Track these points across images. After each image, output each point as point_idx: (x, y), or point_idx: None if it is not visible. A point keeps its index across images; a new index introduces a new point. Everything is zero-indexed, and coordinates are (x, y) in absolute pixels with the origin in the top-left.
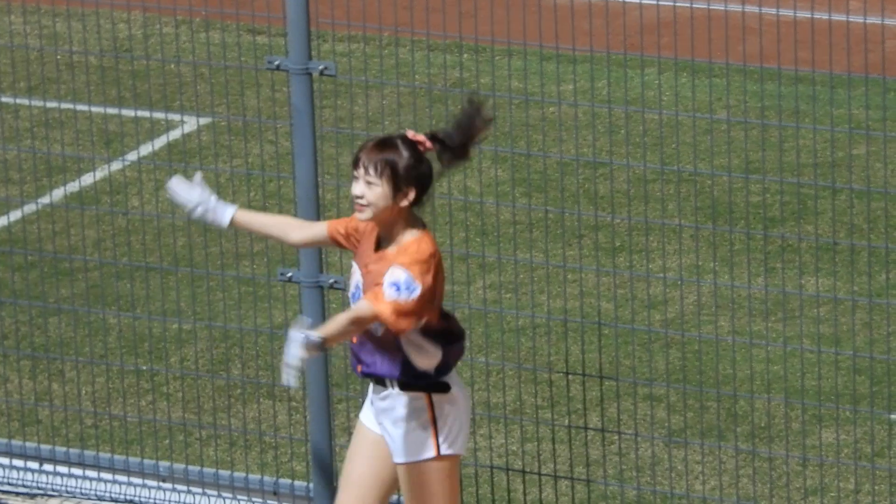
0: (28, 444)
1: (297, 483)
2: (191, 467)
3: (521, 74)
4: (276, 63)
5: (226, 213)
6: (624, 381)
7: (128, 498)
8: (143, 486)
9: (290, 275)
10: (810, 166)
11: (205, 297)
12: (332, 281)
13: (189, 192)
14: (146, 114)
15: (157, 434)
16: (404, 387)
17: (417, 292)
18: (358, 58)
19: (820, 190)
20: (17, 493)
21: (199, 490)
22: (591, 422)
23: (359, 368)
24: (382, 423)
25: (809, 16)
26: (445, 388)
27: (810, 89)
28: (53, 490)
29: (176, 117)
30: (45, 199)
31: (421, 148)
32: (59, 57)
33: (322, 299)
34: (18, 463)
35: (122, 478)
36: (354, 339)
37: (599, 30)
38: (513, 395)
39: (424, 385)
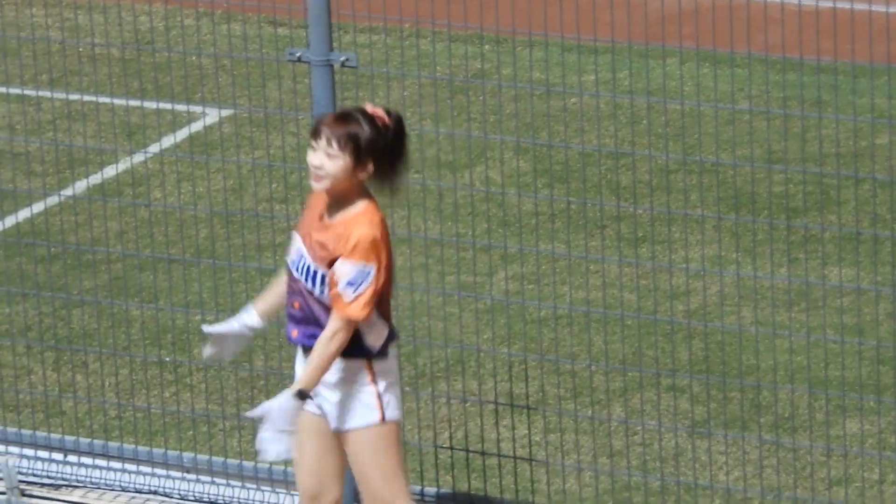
0: (52, 435)
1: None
2: (214, 458)
3: (543, 65)
4: (298, 55)
5: (251, 316)
6: (647, 371)
7: (151, 489)
8: (167, 476)
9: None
10: (833, 156)
11: (227, 289)
12: (343, 58)
13: (226, 336)
14: (168, 106)
15: (181, 425)
16: (345, 355)
17: (372, 274)
18: (379, 49)
19: (843, 180)
20: (42, 485)
21: (223, 481)
22: (614, 413)
23: (294, 333)
24: (319, 392)
25: (832, 5)
26: (384, 353)
27: (833, 79)
28: (77, 481)
29: (198, 109)
30: (68, 192)
31: (379, 122)
32: (80, 49)
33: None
34: (43, 454)
35: (145, 469)
36: (297, 305)
37: (621, 20)
38: (535, 385)
39: (366, 349)
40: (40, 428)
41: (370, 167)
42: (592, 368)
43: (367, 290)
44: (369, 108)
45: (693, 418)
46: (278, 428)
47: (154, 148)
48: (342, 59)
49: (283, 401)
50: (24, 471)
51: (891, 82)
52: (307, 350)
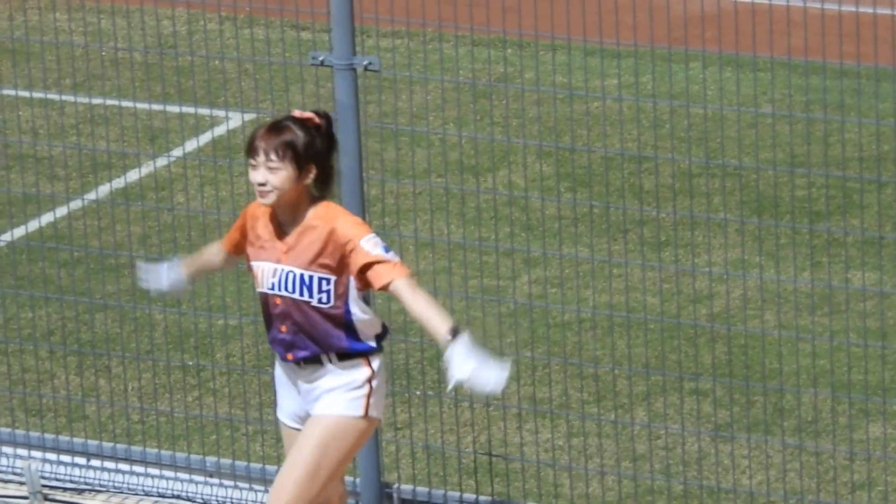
0: (75, 439)
1: (345, 478)
2: (237, 462)
3: (566, 69)
4: (321, 59)
5: (179, 268)
6: (670, 375)
7: (175, 493)
8: (190, 481)
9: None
10: (856, 160)
11: (250, 293)
12: (366, 62)
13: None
14: (191, 110)
15: (204, 429)
16: (343, 358)
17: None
18: (402, 53)
19: (865, 184)
20: (65, 489)
21: (246, 485)
22: (637, 416)
23: (290, 357)
24: (309, 401)
25: (854, 10)
26: (381, 350)
27: (855, 83)
28: (100, 486)
29: (220, 113)
30: (91, 196)
31: (311, 125)
32: (103, 53)
33: (368, 294)
34: (66, 458)
35: (168, 473)
36: (284, 329)
37: (643, 24)
38: (559, 389)
39: (361, 352)
40: (63, 432)
41: (313, 171)
42: (615, 372)
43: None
44: (297, 113)
45: (716, 422)
46: (479, 366)
47: (177, 152)
48: (365, 62)
49: (459, 352)
50: (47, 475)
51: None
52: (308, 362)
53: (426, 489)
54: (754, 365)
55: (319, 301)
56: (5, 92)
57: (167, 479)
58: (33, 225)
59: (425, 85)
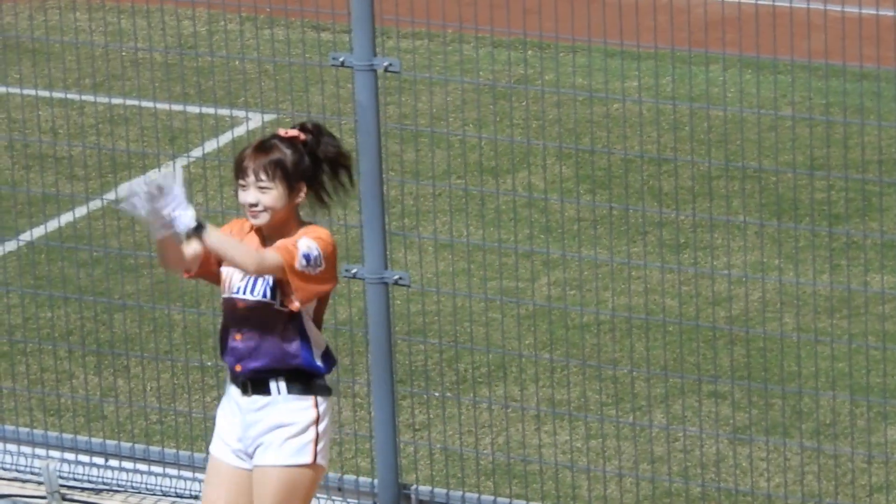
0: (93, 439)
1: (362, 479)
2: None
3: (586, 71)
4: (341, 59)
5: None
6: (689, 377)
7: (193, 494)
8: None
9: (354, 271)
10: (875, 163)
11: None
12: (396, 277)
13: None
14: (211, 110)
15: None
16: (291, 388)
17: (322, 269)
18: (422, 54)
19: (885, 187)
20: (83, 489)
21: None
22: (655, 419)
23: (238, 368)
24: (251, 437)
25: (875, 12)
26: (329, 391)
27: (875, 85)
28: (118, 486)
29: (241, 114)
30: (110, 196)
31: (298, 142)
32: (123, 53)
33: (387, 295)
34: (84, 459)
35: (186, 473)
36: (238, 337)
37: (664, 26)
38: (577, 391)
39: (312, 386)
40: (81, 432)
41: (304, 189)
42: (634, 374)
43: (313, 272)
44: (282, 132)
45: (734, 424)
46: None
47: (197, 152)
48: (385, 63)
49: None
50: (65, 475)
51: None
52: (256, 386)
53: (444, 490)
54: (773, 368)
55: (281, 304)
56: (26, 92)
57: (185, 479)
58: (53, 225)
59: (445, 86)
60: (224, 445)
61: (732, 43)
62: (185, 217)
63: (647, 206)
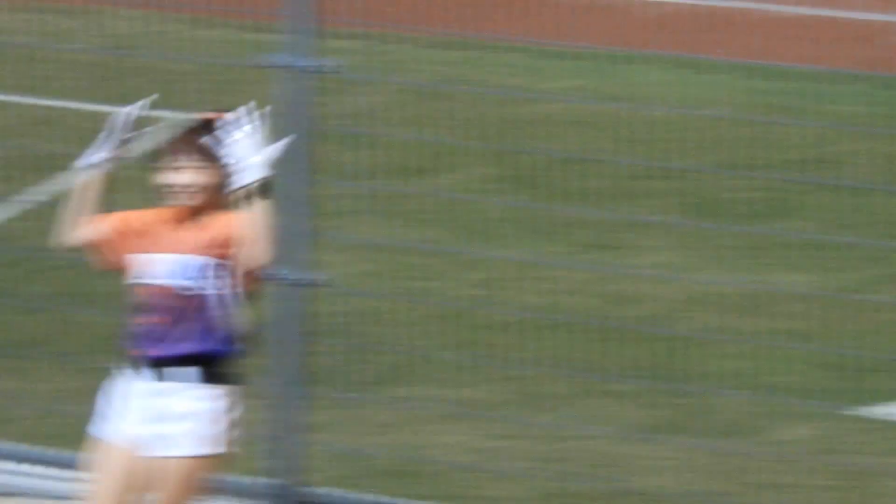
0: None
1: (260, 480)
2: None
3: (515, 71)
4: (268, 61)
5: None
6: (592, 377)
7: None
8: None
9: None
10: (798, 162)
11: None
12: (320, 64)
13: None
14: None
15: None
16: (203, 375)
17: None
18: (350, 55)
19: (805, 186)
20: None
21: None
22: (561, 419)
23: (149, 352)
24: (154, 422)
25: (793, 10)
26: (240, 380)
27: (798, 85)
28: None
29: (168, 114)
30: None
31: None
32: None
33: (300, 296)
34: None
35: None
36: (150, 321)
37: (597, 27)
38: (483, 391)
39: (223, 375)
40: None
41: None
42: (538, 374)
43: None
44: (210, 114)
45: (629, 423)
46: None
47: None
48: (319, 64)
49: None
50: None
51: (861, 89)
52: (166, 372)
53: (342, 492)
54: (677, 366)
55: (217, 286)
56: None
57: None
58: None
59: (376, 87)
60: (119, 431)
61: (662, 43)
62: (257, 167)
63: (571, 206)
